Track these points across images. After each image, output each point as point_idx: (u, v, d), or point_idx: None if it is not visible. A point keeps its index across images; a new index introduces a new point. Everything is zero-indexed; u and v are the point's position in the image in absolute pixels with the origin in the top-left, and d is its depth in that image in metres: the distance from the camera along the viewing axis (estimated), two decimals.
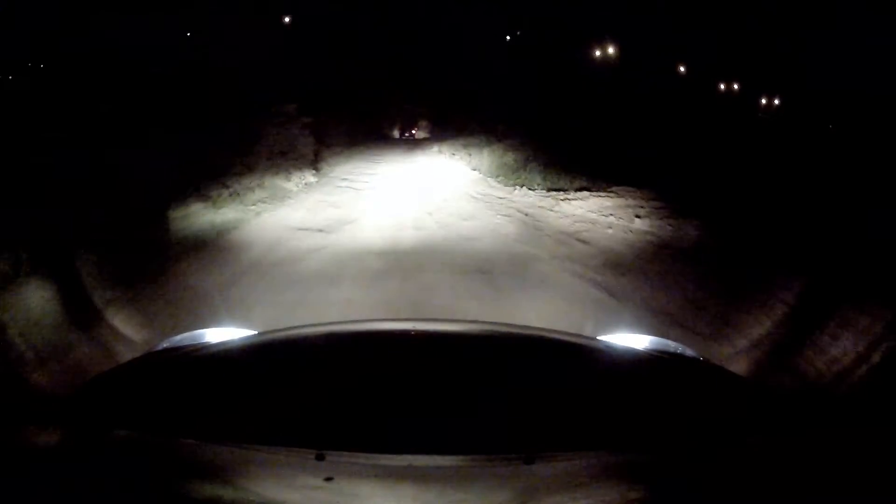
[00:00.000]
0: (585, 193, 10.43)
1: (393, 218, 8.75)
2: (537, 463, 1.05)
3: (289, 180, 11.41)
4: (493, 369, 1.49)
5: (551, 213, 9.24)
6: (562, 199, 9.99)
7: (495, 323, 2.19)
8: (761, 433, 1.27)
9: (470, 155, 16.79)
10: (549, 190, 10.79)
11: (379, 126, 24.10)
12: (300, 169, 12.32)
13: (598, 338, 1.95)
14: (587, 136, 14.02)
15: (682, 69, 25.42)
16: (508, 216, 8.99)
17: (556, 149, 13.35)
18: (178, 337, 2.03)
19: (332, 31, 20.68)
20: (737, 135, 15.85)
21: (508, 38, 26.06)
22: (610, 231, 8.07)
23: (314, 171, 12.80)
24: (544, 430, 1.22)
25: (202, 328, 2.13)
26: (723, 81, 27.58)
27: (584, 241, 7.49)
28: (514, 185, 11.71)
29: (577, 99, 18.22)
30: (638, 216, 8.85)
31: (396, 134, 26.66)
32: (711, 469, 1.06)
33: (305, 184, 11.74)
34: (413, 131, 27.51)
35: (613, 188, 10.33)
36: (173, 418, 1.26)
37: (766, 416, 1.41)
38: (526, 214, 9.09)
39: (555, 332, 1.93)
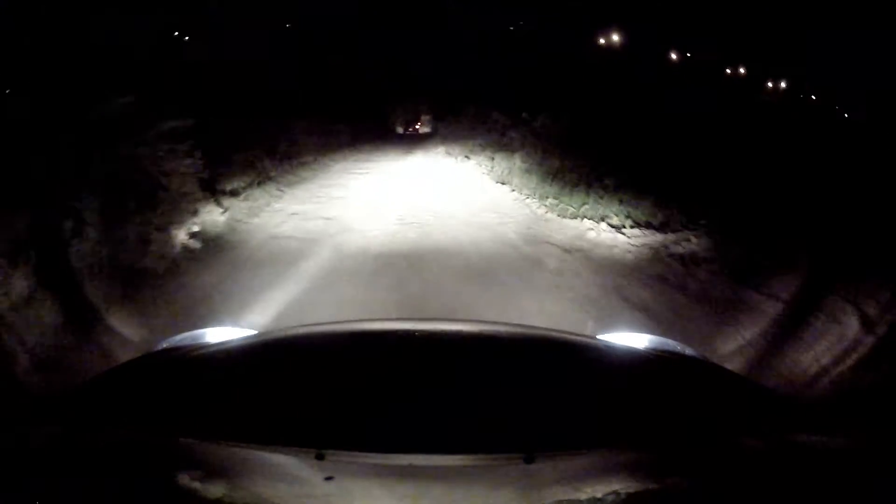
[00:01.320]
0: None
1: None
2: (537, 462, 1.01)
3: (147, 254, 5.54)
4: (494, 369, 1.41)
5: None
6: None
7: (496, 323, 2.15)
8: (761, 433, 1.19)
9: (492, 159, 12.43)
10: (636, 225, 6.53)
11: (376, 124, 20.35)
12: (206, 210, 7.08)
13: (598, 337, 1.83)
14: (618, 134, 9.45)
15: (688, 54, 23.63)
16: (610, 313, 4.40)
17: (596, 152, 9.07)
18: (178, 337, 1.86)
19: (331, 30, 18.50)
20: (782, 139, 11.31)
21: (511, 28, 22.21)
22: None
23: (222, 211, 7.51)
24: (545, 430, 1.15)
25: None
26: (729, 66, 25.74)
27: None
28: (581, 216, 7.47)
29: (590, 92, 14.06)
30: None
31: (400, 129, 23.27)
32: (711, 468, 1.03)
33: (191, 251, 6.04)
34: (417, 126, 23.97)
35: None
36: (173, 418, 1.18)
37: (766, 416, 1.32)
38: (655, 319, 4.37)
39: (555, 331, 1.84)
